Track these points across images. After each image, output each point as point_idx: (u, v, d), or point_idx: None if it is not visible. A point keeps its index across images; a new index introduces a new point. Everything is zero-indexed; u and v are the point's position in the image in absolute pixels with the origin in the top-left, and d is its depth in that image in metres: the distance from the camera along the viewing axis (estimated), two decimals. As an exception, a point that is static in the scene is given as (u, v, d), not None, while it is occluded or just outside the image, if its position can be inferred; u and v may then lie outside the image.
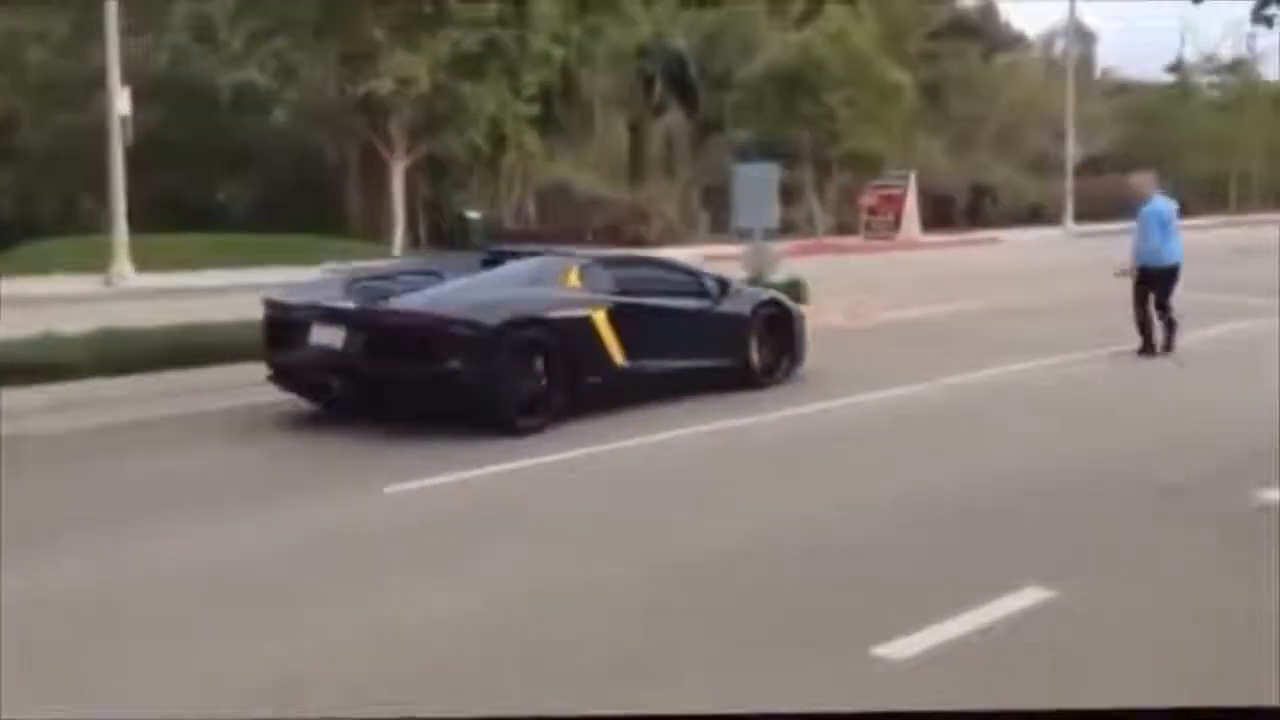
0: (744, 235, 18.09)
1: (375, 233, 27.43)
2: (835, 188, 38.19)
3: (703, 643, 5.24)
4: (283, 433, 9.60)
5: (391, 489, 7.59)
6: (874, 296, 19.03)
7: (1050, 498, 7.66)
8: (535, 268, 10.56)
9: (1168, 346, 13.61)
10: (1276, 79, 55.44)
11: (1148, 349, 13.46)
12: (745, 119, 36.78)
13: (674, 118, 36.51)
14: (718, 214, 31.55)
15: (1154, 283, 13.59)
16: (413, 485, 7.68)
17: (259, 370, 10.36)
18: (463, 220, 28.85)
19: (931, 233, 37.10)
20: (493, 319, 9.36)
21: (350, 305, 9.87)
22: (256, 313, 10.45)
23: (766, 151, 33.08)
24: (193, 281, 21.07)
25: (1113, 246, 34.84)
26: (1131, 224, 13.91)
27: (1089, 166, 44.44)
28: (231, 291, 15.79)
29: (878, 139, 38.18)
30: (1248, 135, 51.60)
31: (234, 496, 7.62)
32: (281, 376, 10.18)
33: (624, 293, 10.48)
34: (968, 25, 49.77)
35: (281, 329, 10.12)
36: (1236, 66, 53.37)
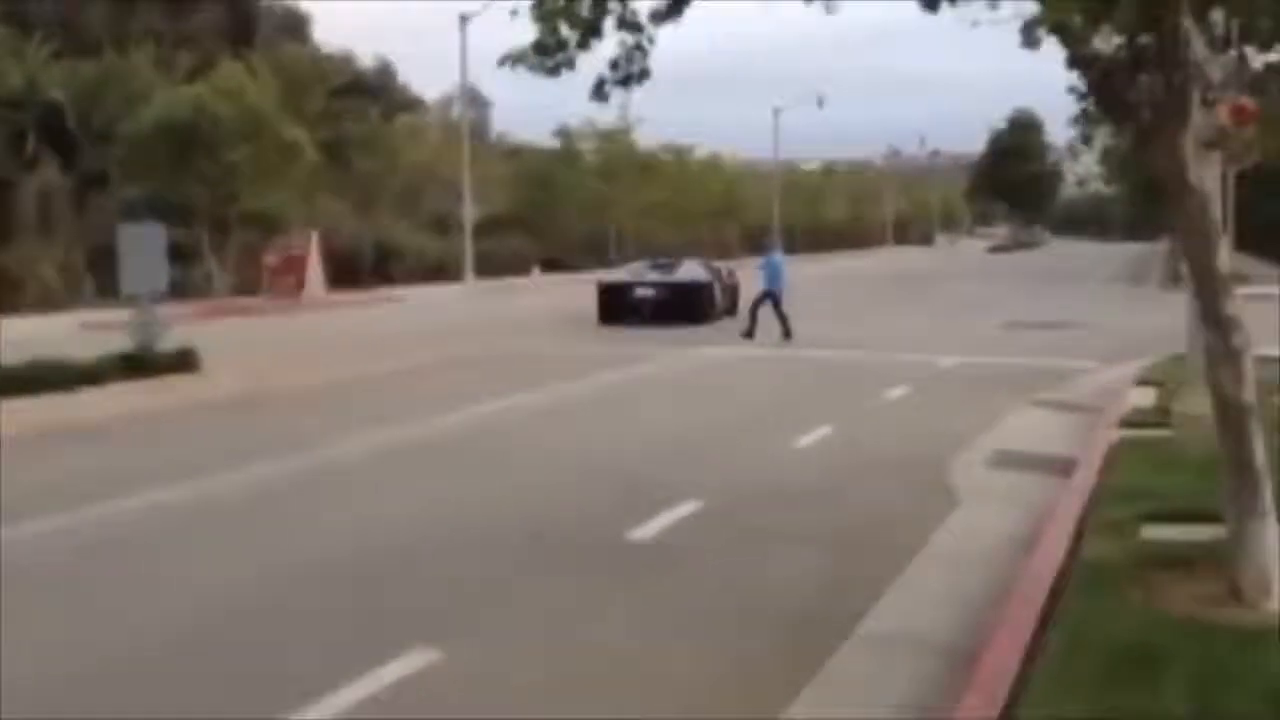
0: (133, 299, 16.91)
1: None
2: (236, 247, 37.05)
3: None
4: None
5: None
6: (272, 363, 18.58)
7: (431, 553, 7.72)
8: (698, 263, 28.39)
9: (786, 334, 22.21)
10: (645, 147, 61.06)
11: (749, 335, 22.49)
12: (136, 175, 34.72)
13: (51, 173, 33.63)
14: (105, 277, 29.39)
15: (770, 298, 22.97)
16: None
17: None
18: None
19: (338, 291, 36.99)
20: (707, 280, 26.80)
21: (655, 278, 26.78)
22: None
23: (160, 209, 31.35)
24: None
25: (510, 302, 36.81)
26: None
27: (487, 225, 46.39)
28: None
29: (278, 197, 37.51)
30: (623, 196, 56.32)
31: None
32: (608, 311, 26.13)
33: (715, 273, 27.75)
34: (366, 86, 50.37)
35: (612, 292, 26.70)
36: (613, 135, 58.08)
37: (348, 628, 6.26)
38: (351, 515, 8.87)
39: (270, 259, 36.02)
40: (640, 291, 26.32)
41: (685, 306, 25.67)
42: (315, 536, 8.22)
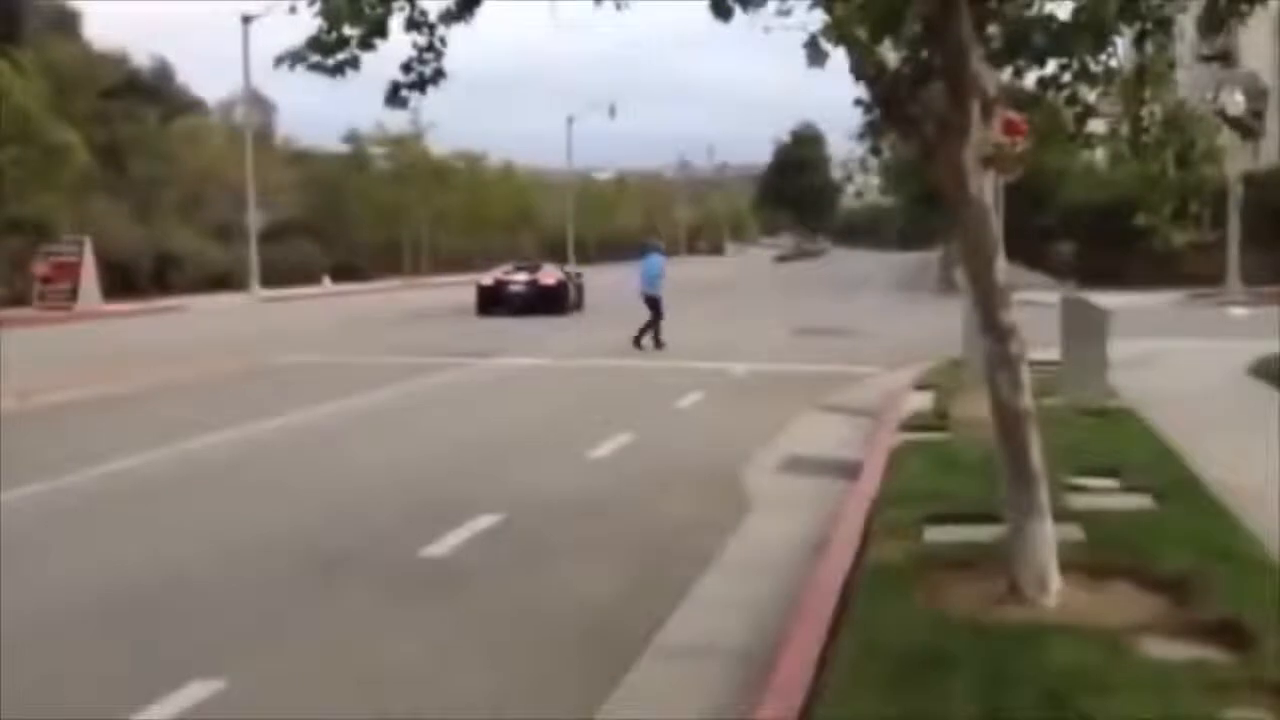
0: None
1: None
2: (4, 254, 35.06)
3: None
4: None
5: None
6: (38, 377, 17.60)
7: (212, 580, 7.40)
8: (554, 266, 36.48)
9: (639, 341, 22.06)
10: (438, 154, 60.34)
11: (640, 343, 22.11)
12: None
13: None
14: None
15: (651, 303, 22.76)
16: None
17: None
18: None
19: (116, 300, 35.38)
20: (563, 280, 33.99)
21: (523, 277, 33.57)
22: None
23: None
24: None
25: (300, 311, 35.82)
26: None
27: (274, 232, 45.05)
28: None
29: (48, 202, 35.71)
30: (417, 204, 55.51)
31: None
32: (485, 305, 32.68)
33: (567, 275, 35.29)
34: (143, 86, 48.28)
35: (489, 289, 33.40)
36: (404, 140, 57.15)
37: (121, 664, 5.90)
38: (131, 540, 8.40)
39: (40, 267, 34.26)
40: (512, 288, 33.07)
41: (547, 301, 32.25)
42: (84, 569, 7.72)
